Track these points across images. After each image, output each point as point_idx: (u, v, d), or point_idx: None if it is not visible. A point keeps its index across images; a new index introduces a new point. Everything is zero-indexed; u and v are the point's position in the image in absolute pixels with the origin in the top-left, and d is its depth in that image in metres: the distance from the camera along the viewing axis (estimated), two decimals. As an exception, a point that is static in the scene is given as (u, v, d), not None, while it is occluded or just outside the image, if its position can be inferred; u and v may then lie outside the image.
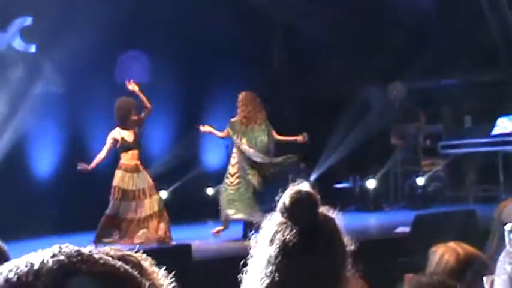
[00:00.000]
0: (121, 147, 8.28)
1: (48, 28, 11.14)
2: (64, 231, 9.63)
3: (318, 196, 1.82)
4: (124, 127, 8.28)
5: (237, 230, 9.25)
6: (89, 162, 8.41)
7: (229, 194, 8.93)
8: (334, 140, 12.37)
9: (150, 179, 8.42)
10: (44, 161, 11.26)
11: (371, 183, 12.10)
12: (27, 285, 0.87)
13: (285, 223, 1.75)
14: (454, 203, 11.58)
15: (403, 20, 12.02)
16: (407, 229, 7.85)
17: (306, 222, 1.75)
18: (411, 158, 12.55)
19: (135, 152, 8.32)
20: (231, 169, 9.10)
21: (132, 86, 8.30)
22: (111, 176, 8.36)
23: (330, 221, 1.80)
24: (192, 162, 12.60)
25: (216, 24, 11.97)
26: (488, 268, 2.33)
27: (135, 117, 8.31)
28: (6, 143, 10.50)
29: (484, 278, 1.62)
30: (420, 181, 11.88)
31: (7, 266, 0.90)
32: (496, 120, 11.60)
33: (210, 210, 12.39)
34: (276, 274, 1.70)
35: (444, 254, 2.51)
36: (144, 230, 8.17)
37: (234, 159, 9.10)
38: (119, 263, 0.94)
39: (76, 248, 0.93)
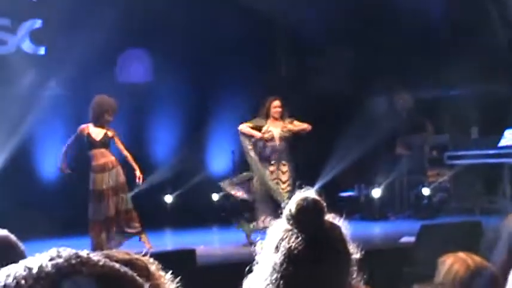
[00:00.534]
0: (87, 144, 8.21)
1: (57, 30, 11.20)
2: (71, 233, 9.64)
3: (324, 204, 1.82)
4: (97, 125, 8.23)
5: (241, 236, 9.25)
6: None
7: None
8: (340, 148, 12.35)
9: (122, 177, 8.31)
10: (51, 163, 11.27)
11: (376, 192, 12.09)
12: None
13: (290, 230, 1.75)
14: (460, 214, 11.54)
15: (411, 30, 12.02)
16: (412, 239, 7.83)
17: (312, 229, 1.75)
18: (417, 167, 12.52)
19: (103, 150, 8.21)
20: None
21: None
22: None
23: (336, 228, 1.80)
24: (197, 167, 12.60)
25: (222, 28, 11.99)
26: (498, 280, 2.32)
27: (110, 118, 8.24)
28: (14, 145, 10.53)
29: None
30: (426, 191, 11.85)
31: (4, 271, 0.89)
32: (503, 132, 11.57)
33: (215, 216, 12.41)
34: (281, 282, 1.70)
35: (454, 264, 2.50)
36: (126, 226, 8.19)
37: None
38: (117, 265, 0.93)
39: (74, 251, 0.93)
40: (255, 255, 1.81)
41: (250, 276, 1.81)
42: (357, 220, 11.39)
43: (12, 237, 2.30)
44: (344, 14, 11.97)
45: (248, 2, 11.96)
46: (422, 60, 12.07)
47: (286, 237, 1.74)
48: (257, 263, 1.79)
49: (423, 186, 12.01)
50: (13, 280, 0.87)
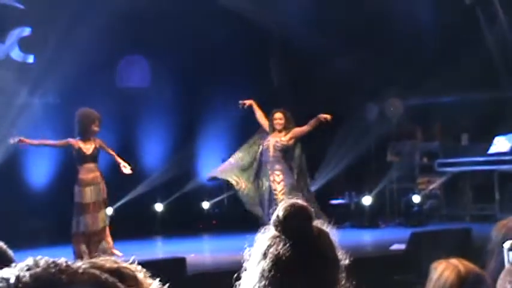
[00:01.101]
0: (77, 157, 8.21)
1: (46, 38, 11.16)
2: (60, 242, 9.59)
3: (312, 210, 1.80)
4: (85, 139, 8.22)
5: (231, 244, 9.22)
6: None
7: None
8: (330, 156, 12.37)
9: (105, 192, 8.31)
10: (40, 172, 11.24)
11: (367, 200, 12.09)
12: None
13: (278, 237, 1.74)
14: (450, 221, 11.56)
15: (401, 37, 12.05)
16: (402, 246, 7.84)
17: (300, 236, 1.74)
18: (407, 175, 12.55)
19: (91, 165, 8.22)
20: None
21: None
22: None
23: (324, 235, 1.79)
24: (188, 175, 12.58)
25: (215, 37, 11.99)
26: (489, 286, 2.31)
27: (97, 128, 8.25)
28: (3, 153, 10.48)
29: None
30: (416, 198, 11.86)
31: None
32: (492, 139, 11.61)
33: (205, 224, 12.38)
34: (269, 289, 1.69)
35: (444, 270, 2.49)
36: (103, 242, 8.16)
37: None
38: (98, 271, 0.91)
39: (51, 259, 0.90)
40: (244, 262, 1.80)
41: (238, 283, 1.80)
42: (347, 228, 11.39)
43: (1, 244, 2.28)
44: (335, 24, 12.00)
45: (241, 12, 11.98)
46: (412, 67, 12.10)
47: (273, 244, 1.72)
48: (245, 270, 1.77)
49: (413, 193, 12.02)
50: None
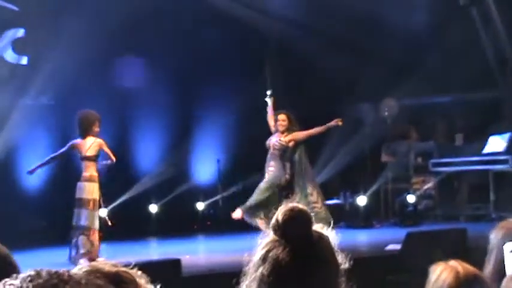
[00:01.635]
0: (80, 156, 8.28)
1: (40, 40, 11.13)
2: (54, 244, 9.57)
3: (311, 214, 1.79)
4: (86, 138, 8.27)
5: (226, 244, 9.22)
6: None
7: None
8: (325, 156, 12.37)
9: (98, 194, 8.34)
10: (34, 173, 11.19)
11: (361, 200, 12.09)
12: None
13: (277, 241, 1.73)
14: (445, 221, 11.57)
15: (396, 37, 12.06)
16: (398, 246, 7.83)
17: (299, 240, 1.72)
18: (402, 175, 12.55)
19: (89, 164, 8.26)
20: None
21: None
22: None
23: (324, 239, 1.78)
24: (182, 176, 12.56)
25: (210, 38, 11.98)
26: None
27: (97, 129, 8.30)
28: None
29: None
30: (411, 198, 11.87)
31: None
32: (487, 138, 11.62)
33: (200, 225, 12.36)
34: (269, 293, 1.68)
35: (443, 272, 2.48)
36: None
37: None
38: (101, 281, 0.90)
39: (53, 270, 0.89)
40: (242, 265, 1.79)
41: (237, 288, 1.78)
42: (342, 228, 11.38)
43: (4, 248, 2.25)
44: (330, 24, 12.00)
45: (237, 13, 11.97)
46: (407, 68, 12.11)
47: (273, 248, 1.71)
48: (244, 274, 1.76)
49: (408, 193, 12.03)
50: None
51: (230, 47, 12.21)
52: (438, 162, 12.10)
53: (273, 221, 1.76)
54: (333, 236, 1.81)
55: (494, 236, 2.68)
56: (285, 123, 9.35)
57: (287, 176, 9.24)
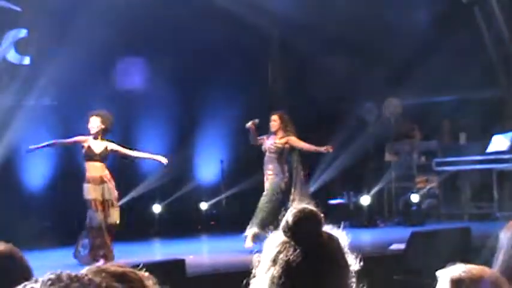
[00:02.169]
0: (85, 155, 8.26)
1: (42, 40, 11.13)
2: (57, 244, 9.57)
3: (322, 215, 1.78)
4: (97, 138, 8.28)
5: (230, 244, 9.21)
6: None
7: None
8: (328, 155, 12.34)
9: (115, 191, 8.36)
10: (37, 173, 11.21)
11: (365, 200, 12.08)
12: None
13: (288, 243, 1.72)
14: (448, 220, 11.57)
15: (400, 37, 12.05)
16: (402, 246, 7.82)
17: (310, 241, 1.71)
18: (406, 174, 12.54)
19: (98, 164, 8.27)
20: None
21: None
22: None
23: (334, 240, 1.77)
24: (186, 176, 12.56)
25: (213, 38, 11.98)
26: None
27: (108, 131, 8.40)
28: (0, 155, 10.45)
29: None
30: (414, 198, 11.86)
31: None
32: (491, 137, 11.61)
33: (203, 225, 12.37)
34: (279, 295, 1.67)
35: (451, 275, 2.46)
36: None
37: None
38: (119, 285, 0.90)
39: (73, 273, 0.89)
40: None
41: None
42: (346, 227, 11.32)
43: (17, 251, 2.25)
44: (334, 24, 11.98)
45: (240, 13, 11.95)
46: (410, 67, 12.10)
47: (283, 250, 1.70)
48: (254, 276, 1.75)
49: (412, 192, 12.02)
50: None
51: (233, 47, 12.21)
52: (442, 161, 12.10)
53: (283, 222, 1.75)
54: (343, 236, 1.81)
55: (504, 236, 2.68)
56: (276, 123, 9.15)
57: (286, 180, 9.17)
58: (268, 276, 1.69)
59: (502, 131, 11.63)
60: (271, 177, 9.08)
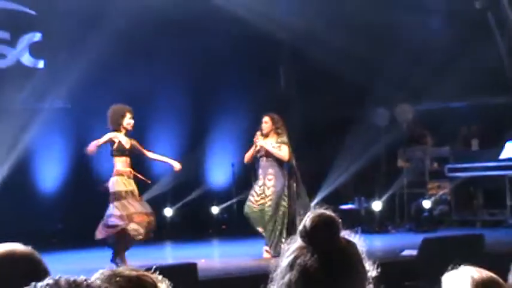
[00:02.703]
0: (117, 150, 8.30)
1: (56, 44, 11.19)
2: (70, 246, 9.60)
3: (340, 220, 1.79)
4: (119, 131, 8.31)
5: (241, 248, 9.20)
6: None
7: None
8: (340, 161, 12.34)
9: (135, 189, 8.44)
10: (51, 176, 11.26)
11: (377, 205, 12.05)
12: None
13: (305, 248, 1.72)
14: (460, 227, 11.51)
15: (411, 42, 12.03)
16: (413, 252, 7.79)
17: (327, 247, 1.72)
18: (417, 180, 12.49)
19: (128, 159, 8.35)
20: None
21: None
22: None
23: (352, 245, 1.77)
24: (197, 180, 12.57)
25: (224, 40, 12.00)
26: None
27: (130, 121, 8.32)
28: (14, 158, 10.51)
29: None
30: (426, 204, 11.82)
31: None
32: (504, 144, 11.56)
33: (215, 229, 12.37)
34: (297, 300, 1.67)
35: (457, 279, 2.45)
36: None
37: None
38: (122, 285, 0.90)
39: (72, 278, 0.89)
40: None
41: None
42: (357, 233, 11.32)
43: (37, 254, 2.25)
44: (344, 29, 11.98)
45: (250, 16, 11.97)
46: (422, 72, 12.07)
47: (301, 255, 1.70)
48: (271, 281, 1.75)
49: (424, 198, 11.98)
50: None
51: (246, 51, 12.22)
52: (454, 167, 12.05)
53: (301, 227, 1.75)
54: (360, 242, 1.81)
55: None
56: (268, 125, 9.08)
57: (286, 183, 9.12)
58: (285, 281, 1.69)
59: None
60: (271, 182, 8.97)
